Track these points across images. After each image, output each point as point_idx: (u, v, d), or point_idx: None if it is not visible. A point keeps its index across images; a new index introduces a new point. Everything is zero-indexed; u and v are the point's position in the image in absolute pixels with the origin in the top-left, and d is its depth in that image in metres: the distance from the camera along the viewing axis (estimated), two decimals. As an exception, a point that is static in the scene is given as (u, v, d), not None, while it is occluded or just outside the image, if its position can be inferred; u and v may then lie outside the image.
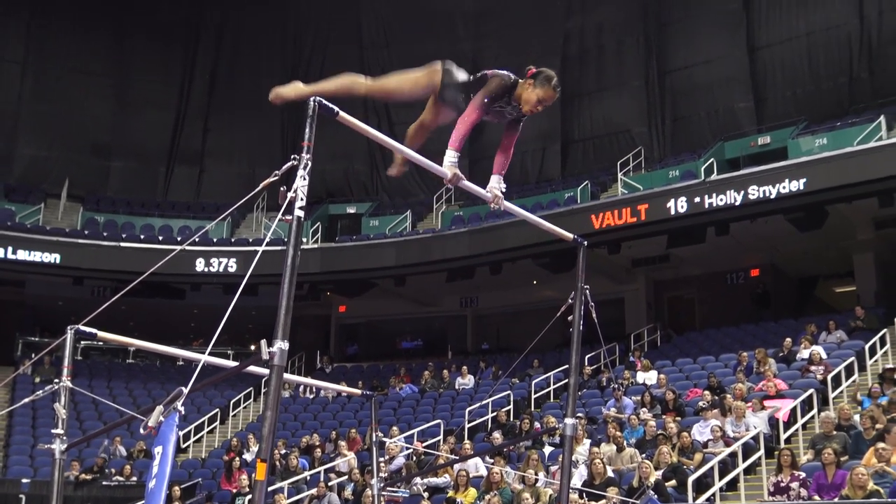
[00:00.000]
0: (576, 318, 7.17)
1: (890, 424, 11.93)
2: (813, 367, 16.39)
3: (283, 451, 18.19)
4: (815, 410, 14.86)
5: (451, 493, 14.24)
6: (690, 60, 27.01)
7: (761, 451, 13.47)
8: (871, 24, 24.15)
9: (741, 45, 25.99)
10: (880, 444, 11.38)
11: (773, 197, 19.22)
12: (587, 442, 14.97)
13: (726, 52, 26.29)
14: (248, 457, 18.37)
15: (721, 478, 12.85)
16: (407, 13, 30.89)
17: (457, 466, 14.40)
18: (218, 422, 23.13)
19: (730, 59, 26.17)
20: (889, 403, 13.54)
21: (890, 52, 23.85)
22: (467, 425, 18.67)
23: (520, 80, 5.53)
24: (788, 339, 18.20)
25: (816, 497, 11.12)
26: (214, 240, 25.36)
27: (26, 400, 8.09)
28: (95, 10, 29.90)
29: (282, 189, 4.26)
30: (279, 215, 4.29)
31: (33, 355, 24.67)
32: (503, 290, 25.24)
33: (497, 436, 16.58)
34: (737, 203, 19.59)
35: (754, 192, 19.37)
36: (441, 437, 18.15)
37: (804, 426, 14.64)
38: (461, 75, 5.78)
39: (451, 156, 5.38)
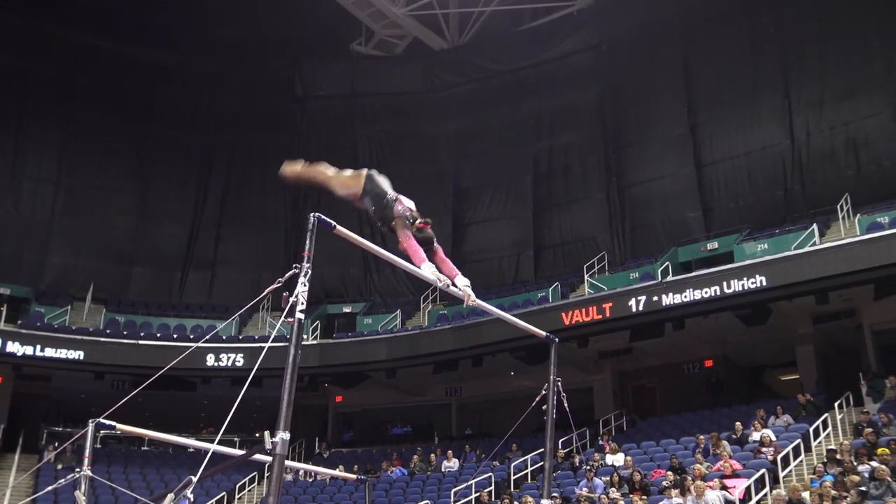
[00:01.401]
0: (549, 407, 7.13)
1: (834, 502, 11.76)
2: (764, 449, 16.23)
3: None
4: (767, 489, 14.65)
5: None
6: (646, 176, 27.42)
7: (720, 527, 13.22)
8: (800, 144, 24.66)
9: (689, 163, 26.44)
10: (827, 520, 11.20)
11: (722, 296, 19.33)
12: (562, 520, 14.65)
13: (677, 170, 26.73)
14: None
15: (684, 552, 12.56)
16: (397, 136, 31.44)
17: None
18: (225, 504, 22.56)
19: (680, 175, 26.59)
20: (834, 483, 13.38)
21: (818, 167, 24.32)
22: (453, 506, 18.28)
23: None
24: (739, 424, 18.05)
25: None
26: (224, 337, 25.14)
27: (49, 488, 7.92)
28: (120, 137, 30.32)
29: (284, 294, 4.28)
30: (282, 317, 4.29)
31: (56, 444, 24.17)
32: (484, 380, 25.06)
33: (480, 515, 16.23)
34: (690, 301, 19.66)
35: (706, 292, 19.48)
36: (429, 516, 17.74)
37: (758, 503, 14.41)
38: (383, 184, 6.54)
39: (427, 267, 6.06)
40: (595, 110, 28.90)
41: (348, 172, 6.72)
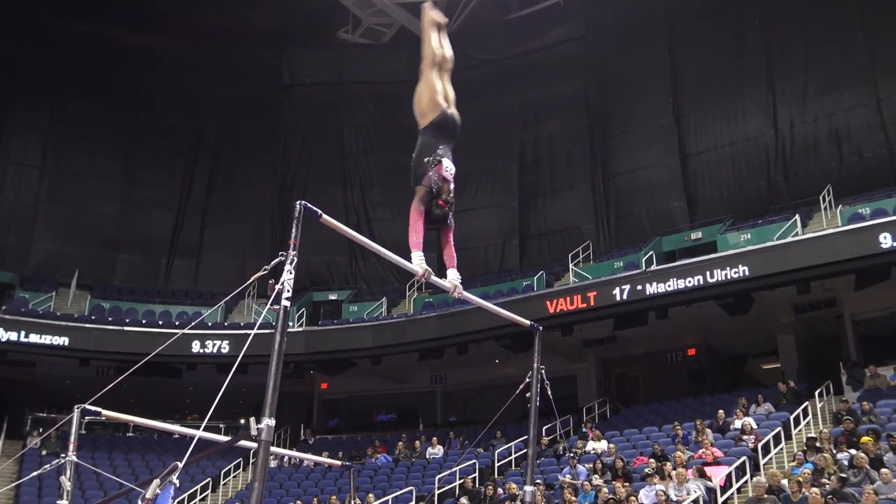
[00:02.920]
0: (533, 394, 7.16)
1: (814, 489, 11.87)
2: (745, 437, 16.35)
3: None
4: (748, 476, 14.77)
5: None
6: (631, 166, 27.49)
7: (701, 514, 13.33)
8: (784, 135, 24.79)
9: (674, 153, 26.52)
10: (806, 507, 11.31)
11: (705, 285, 19.43)
12: (545, 506, 14.73)
13: (661, 160, 26.80)
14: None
15: (666, 538, 12.66)
16: (384, 124, 31.35)
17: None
18: (210, 490, 22.53)
19: (665, 165, 26.67)
20: (813, 470, 13.50)
21: (801, 158, 24.46)
22: (437, 492, 18.32)
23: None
24: (721, 412, 18.18)
25: (751, 555, 10.99)
26: (209, 324, 25.07)
27: (34, 473, 7.90)
28: (106, 123, 30.12)
29: (270, 282, 4.27)
30: (268, 305, 4.29)
31: (41, 430, 24.07)
32: (469, 368, 25.09)
33: (464, 501, 16.30)
34: (674, 290, 19.76)
35: (689, 281, 19.57)
36: (413, 502, 17.79)
37: (739, 490, 14.53)
38: (440, 136, 5.99)
39: (416, 257, 5.64)
40: (581, 100, 28.92)
41: (437, 87, 6.07)
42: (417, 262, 5.65)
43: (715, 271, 19.29)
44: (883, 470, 12.69)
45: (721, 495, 14.08)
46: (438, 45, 6.19)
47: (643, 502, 13.89)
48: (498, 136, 29.74)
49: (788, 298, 20.31)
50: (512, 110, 29.92)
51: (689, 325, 22.10)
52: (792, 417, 17.13)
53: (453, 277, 6.10)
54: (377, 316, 26.39)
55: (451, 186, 5.86)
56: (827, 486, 12.62)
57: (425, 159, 5.88)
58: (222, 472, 22.99)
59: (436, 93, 6.02)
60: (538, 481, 15.77)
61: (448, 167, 5.82)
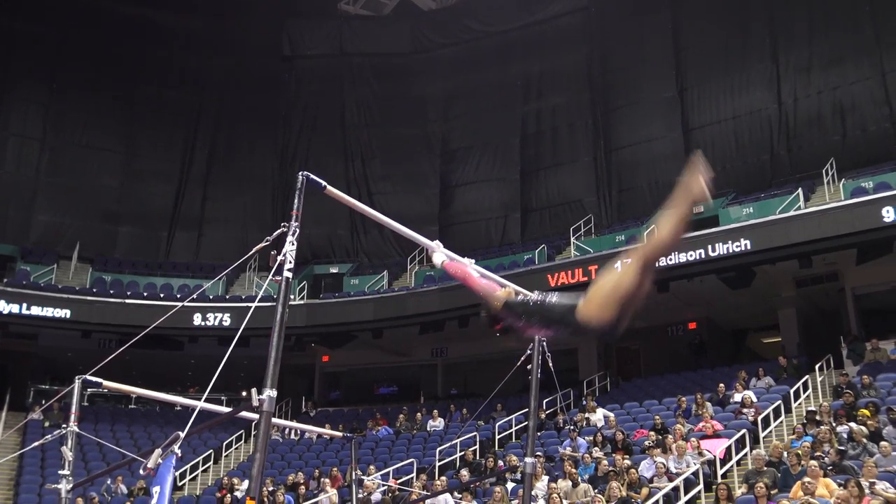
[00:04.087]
0: (534, 366, 7.17)
1: (813, 461, 11.93)
2: (745, 410, 16.41)
3: (270, 489, 17.83)
4: (747, 448, 14.84)
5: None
6: (633, 139, 27.38)
7: (700, 486, 13.40)
8: (787, 108, 24.68)
9: (677, 126, 26.42)
10: (806, 479, 11.37)
11: (706, 259, 19.41)
12: (545, 478, 14.81)
13: (664, 133, 26.70)
14: (239, 494, 17.99)
15: (665, 510, 12.75)
16: (385, 97, 31.24)
17: (428, 502, 14.19)
18: (212, 461, 22.67)
19: (667, 138, 26.57)
20: (813, 443, 13.57)
21: (805, 132, 24.36)
22: (438, 464, 18.42)
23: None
24: (722, 385, 18.23)
25: (750, 527, 11.06)
26: (211, 297, 25.09)
27: (36, 444, 7.93)
28: (106, 95, 29.99)
29: (272, 253, 4.25)
30: (270, 276, 4.27)
31: (43, 402, 24.20)
32: (470, 341, 25.11)
33: (464, 473, 16.39)
34: (675, 264, 19.74)
35: (690, 255, 19.55)
36: (414, 474, 17.89)
37: (738, 463, 14.61)
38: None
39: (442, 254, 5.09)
40: (583, 73, 28.75)
41: (624, 288, 4.03)
42: (441, 260, 5.03)
43: (717, 245, 19.27)
44: (882, 443, 12.75)
45: (721, 467, 14.15)
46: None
47: (643, 474, 13.96)
48: (500, 109, 29.62)
49: (790, 272, 20.31)
50: (514, 83, 29.77)
51: (690, 298, 22.11)
52: (792, 391, 17.19)
53: (465, 261, 5.38)
54: (378, 289, 26.42)
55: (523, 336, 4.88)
56: (826, 458, 12.68)
57: (537, 312, 4.43)
58: (224, 443, 23.12)
59: (628, 296, 4.06)
60: (538, 453, 15.86)
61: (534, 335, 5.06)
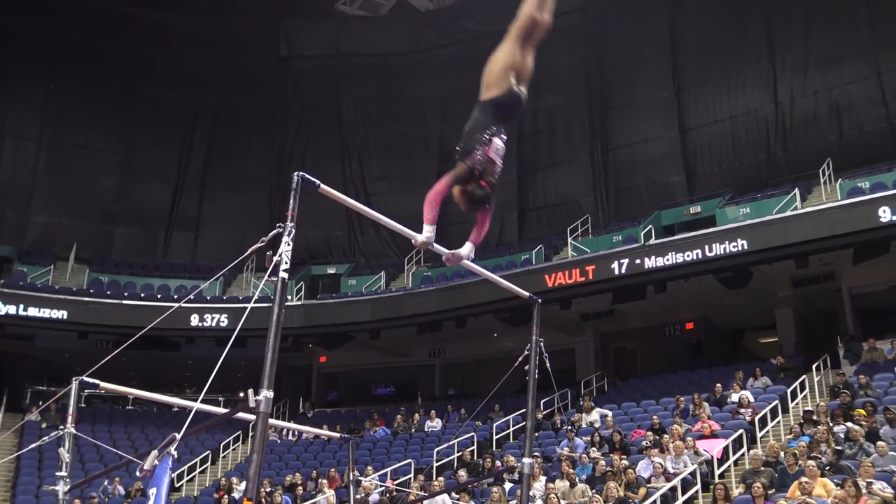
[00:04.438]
0: (532, 367, 7.17)
1: (810, 461, 11.93)
2: (742, 410, 16.42)
3: (268, 489, 17.82)
4: (744, 448, 14.84)
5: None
6: (630, 140, 27.41)
7: (698, 486, 13.40)
8: (784, 108, 24.74)
9: (674, 127, 26.44)
10: (803, 478, 11.37)
11: (703, 259, 19.43)
12: (543, 479, 14.81)
13: (661, 133, 26.73)
14: (236, 495, 17.98)
15: (663, 510, 12.75)
16: (382, 97, 31.25)
17: (426, 502, 14.19)
18: (209, 462, 22.63)
19: (664, 138, 26.60)
20: (810, 443, 13.58)
21: (801, 132, 24.41)
22: (435, 464, 18.43)
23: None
24: (719, 385, 18.24)
25: (747, 527, 11.07)
26: (208, 297, 25.07)
27: (33, 445, 7.92)
28: (103, 95, 29.99)
29: (268, 254, 4.25)
30: (266, 277, 4.27)
31: (40, 403, 24.17)
32: (468, 341, 25.16)
33: (462, 474, 16.38)
34: (672, 264, 19.76)
35: (688, 255, 19.56)
36: (412, 475, 17.89)
37: (735, 463, 14.61)
38: (494, 115, 5.36)
39: (428, 230, 5.25)
40: (580, 73, 28.77)
41: (516, 59, 5.35)
42: (425, 235, 5.25)
43: (713, 245, 19.27)
44: (879, 443, 12.75)
45: (718, 467, 14.15)
46: (538, 6, 5.35)
47: (641, 475, 13.97)
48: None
49: (787, 272, 20.32)
50: (511, 83, 29.75)
51: (687, 299, 22.13)
52: (789, 391, 17.20)
53: (465, 249, 5.70)
54: (376, 289, 26.42)
55: (498, 168, 5.35)
56: (823, 458, 12.69)
57: (476, 135, 5.24)
58: (221, 444, 23.09)
59: (511, 65, 5.34)
60: (536, 454, 15.88)
61: (498, 147, 5.32)
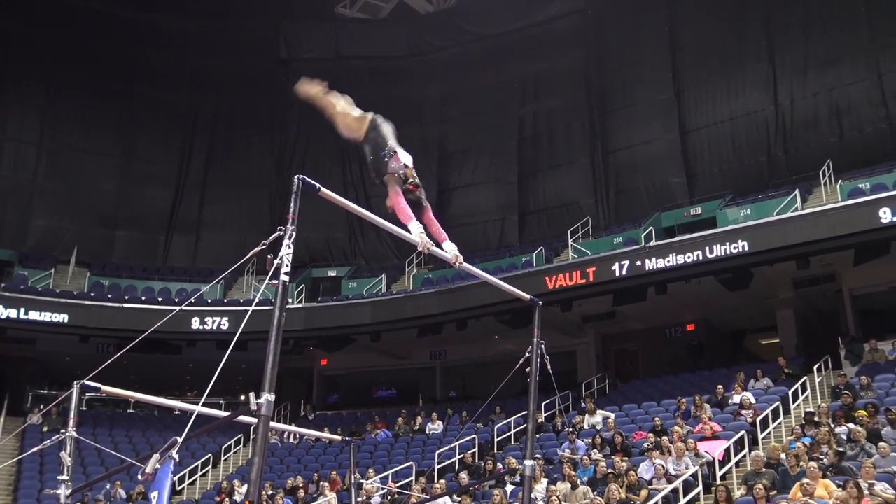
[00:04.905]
0: (533, 369, 7.17)
1: (811, 462, 11.93)
2: (744, 411, 16.41)
3: (269, 492, 17.81)
4: (746, 450, 14.84)
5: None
6: (630, 141, 27.41)
7: (699, 488, 13.39)
8: (784, 110, 24.75)
9: (674, 128, 26.45)
10: (804, 480, 11.36)
11: (704, 260, 19.42)
12: (545, 481, 14.80)
13: (661, 135, 26.73)
14: (237, 498, 17.98)
15: (664, 512, 12.74)
16: (382, 100, 31.12)
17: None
18: (210, 465, 22.63)
19: (664, 140, 26.60)
20: (811, 444, 13.57)
21: (801, 133, 24.42)
22: (437, 467, 18.42)
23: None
24: (721, 386, 18.22)
25: (749, 529, 11.06)
26: (209, 300, 25.09)
27: (34, 449, 7.94)
28: (103, 98, 29.98)
29: (269, 257, 4.26)
30: (266, 280, 4.28)
31: (42, 406, 24.18)
32: (469, 343, 25.15)
33: (463, 476, 16.38)
34: (673, 266, 19.75)
35: (688, 257, 19.56)
36: (413, 477, 17.89)
37: (737, 464, 14.60)
38: (386, 133, 6.41)
39: (415, 227, 5.70)
40: (580, 75, 28.81)
41: (356, 112, 6.67)
42: (417, 233, 5.71)
43: (714, 247, 19.27)
44: (881, 444, 12.75)
45: (720, 469, 14.15)
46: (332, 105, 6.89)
47: (642, 476, 13.96)
48: (497, 112, 29.65)
49: (788, 273, 20.31)
50: (511, 85, 29.82)
51: (688, 300, 22.12)
52: (790, 392, 17.19)
53: (451, 248, 6.21)
54: (376, 292, 26.42)
55: (413, 171, 6.10)
56: (825, 460, 12.69)
57: (381, 154, 6.21)
58: (223, 447, 23.10)
59: (351, 111, 6.80)
60: (537, 456, 15.86)
61: (404, 155, 6.17)
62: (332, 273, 29.08)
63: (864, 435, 13.32)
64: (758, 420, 15.78)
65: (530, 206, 29.01)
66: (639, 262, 20.14)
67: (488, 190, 29.50)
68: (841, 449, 13.08)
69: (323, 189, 4.79)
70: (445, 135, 30.61)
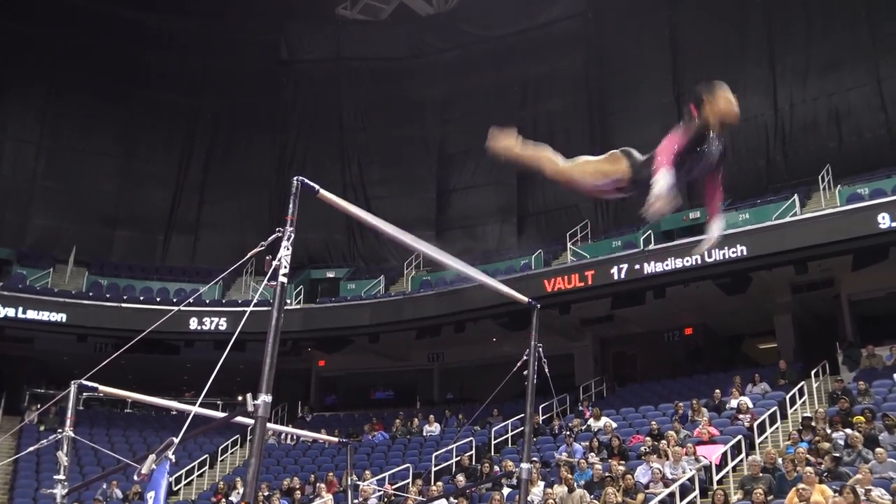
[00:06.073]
0: (530, 372, 7.17)
1: (808, 468, 11.94)
2: (741, 416, 16.43)
3: (265, 493, 17.82)
4: (743, 454, 14.85)
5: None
6: (630, 144, 26.54)
7: (696, 492, 13.40)
8: (784, 114, 24.80)
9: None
10: (801, 485, 11.38)
11: (702, 265, 19.44)
12: (542, 484, 14.82)
13: (661, 138, 26.31)
14: (234, 499, 17.97)
15: (661, 516, 12.75)
16: (382, 101, 31.30)
17: (424, 507, 14.18)
18: (207, 466, 22.64)
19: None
20: (808, 449, 13.58)
21: (801, 138, 24.45)
22: (434, 469, 18.43)
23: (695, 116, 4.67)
24: (718, 391, 18.24)
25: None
26: (207, 301, 25.09)
27: (31, 448, 7.94)
28: (103, 98, 29.99)
29: (267, 258, 4.26)
30: (265, 281, 4.28)
31: (39, 406, 24.18)
32: (467, 346, 25.14)
33: (460, 478, 16.39)
34: (671, 270, 19.77)
35: (687, 261, 19.57)
36: (410, 479, 17.89)
37: (734, 469, 14.61)
38: (640, 156, 5.03)
39: (664, 181, 4.56)
40: (581, 77, 28.85)
41: (594, 158, 5.16)
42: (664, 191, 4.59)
43: (712, 251, 19.27)
44: (878, 449, 12.76)
45: (717, 473, 14.16)
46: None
47: (639, 480, 13.97)
48: (497, 113, 29.50)
49: (786, 278, 20.34)
50: (511, 87, 29.85)
51: (686, 304, 22.13)
52: (788, 397, 17.21)
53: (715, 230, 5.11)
54: (375, 294, 26.42)
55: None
56: (821, 465, 12.70)
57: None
58: (220, 448, 23.10)
59: (582, 160, 5.31)
60: (534, 459, 15.87)
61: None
62: (330, 274, 29.09)
63: (861, 440, 13.33)
64: (755, 424, 15.79)
65: (529, 209, 29.03)
66: (637, 266, 20.15)
67: (488, 192, 29.52)
68: (838, 454, 13.09)
69: (322, 191, 4.79)
70: (445, 136, 30.64)
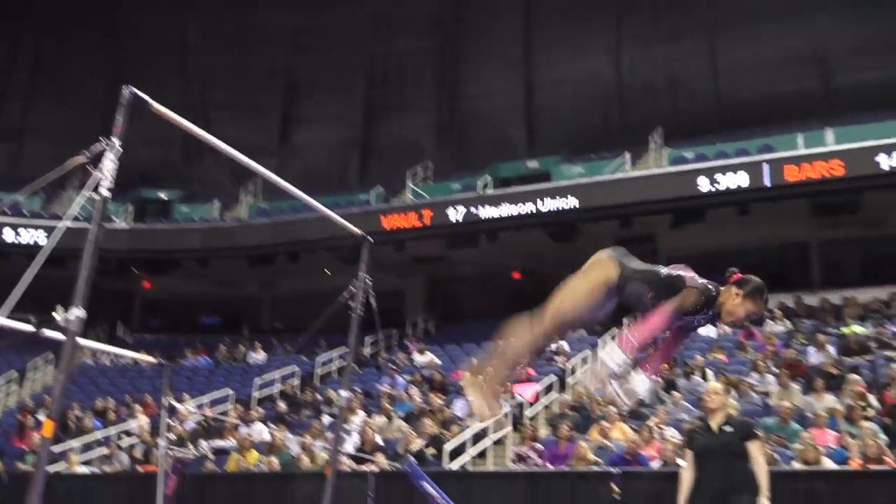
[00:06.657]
0: (357, 303, 7.35)
1: (611, 407, 12.82)
2: (557, 358, 17.31)
3: (77, 413, 17.33)
4: (555, 393, 15.71)
5: (234, 454, 14.05)
6: (477, 92, 27.81)
7: (509, 427, 14.11)
8: (624, 77, 25.93)
9: (520, 84, 27.09)
10: (603, 423, 12.22)
11: (535, 213, 20.15)
12: (362, 413, 15.16)
13: (508, 88, 27.27)
14: (42, 417, 17.36)
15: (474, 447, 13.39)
16: (230, 25, 30.06)
17: (242, 430, 14.25)
18: (18, 385, 21.66)
19: (510, 94, 27.19)
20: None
21: (638, 100, 25.59)
22: (256, 395, 18.43)
23: (721, 288, 4.23)
24: (540, 334, 19.01)
25: (549, 465, 11.82)
26: (27, 213, 23.74)
27: None
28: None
29: (90, 168, 4.17)
30: (83, 192, 4.19)
31: None
32: (300, 276, 25.00)
33: (282, 405, 16.51)
34: (506, 216, 20.38)
35: (521, 208, 20.22)
36: (230, 405, 17.85)
37: (546, 407, 15.45)
38: (634, 263, 4.61)
39: (620, 359, 4.15)
40: (435, 21, 28.88)
41: (580, 285, 4.73)
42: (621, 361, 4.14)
43: (546, 200, 20.01)
44: (675, 393, 13.82)
45: (529, 410, 14.94)
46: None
47: (456, 413, 14.55)
48: (348, 48, 29.22)
49: (611, 231, 21.33)
50: (365, 23, 29.45)
51: (516, 249, 22.84)
52: (600, 340, 18.20)
53: (638, 387, 4.39)
54: (209, 219, 25.78)
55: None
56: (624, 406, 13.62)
57: (661, 278, 4.35)
58: (28, 365, 22.09)
59: (577, 287, 4.77)
60: (356, 389, 16.20)
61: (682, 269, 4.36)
62: (163, 195, 28.10)
63: (662, 385, 14.38)
64: (568, 365, 16.70)
65: (373, 146, 29.00)
66: (473, 209, 20.64)
67: (332, 125, 29.17)
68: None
69: (155, 104, 4.70)
70: (293, 66, 29.95)
